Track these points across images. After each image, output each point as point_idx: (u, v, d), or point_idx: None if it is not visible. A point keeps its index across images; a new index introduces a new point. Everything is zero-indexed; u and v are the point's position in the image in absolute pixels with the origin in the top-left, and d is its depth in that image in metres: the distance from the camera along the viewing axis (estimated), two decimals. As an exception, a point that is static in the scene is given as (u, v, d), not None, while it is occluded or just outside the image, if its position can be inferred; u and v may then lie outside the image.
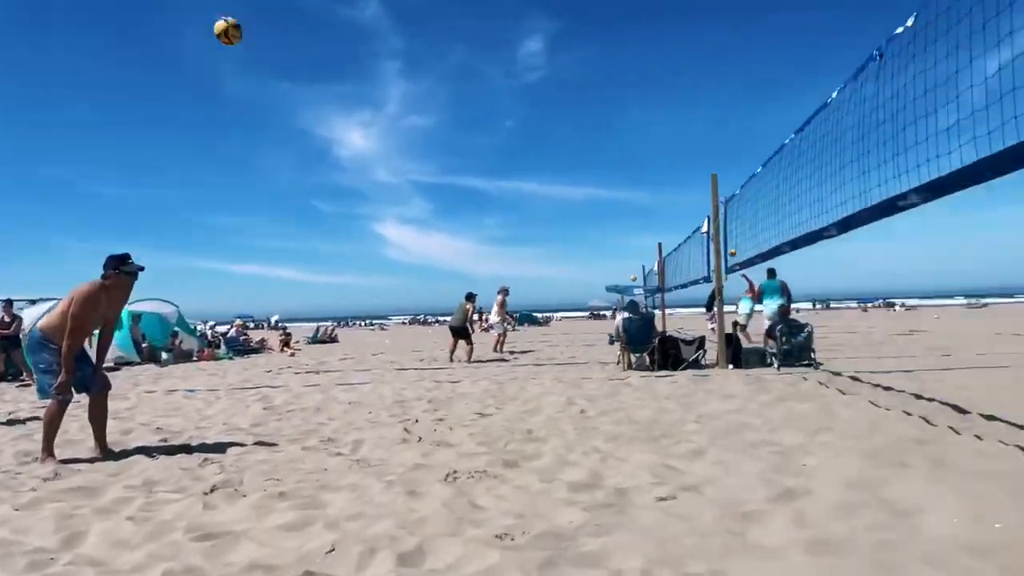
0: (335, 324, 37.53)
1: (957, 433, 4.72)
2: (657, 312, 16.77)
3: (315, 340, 26.96)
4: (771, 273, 12.37)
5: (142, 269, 5.09)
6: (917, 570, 2.38)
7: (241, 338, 21.30)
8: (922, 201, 4.08)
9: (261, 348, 21.06)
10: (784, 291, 12.11)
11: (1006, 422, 5.04)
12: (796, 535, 2.78)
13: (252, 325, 44.99)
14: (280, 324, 41.17)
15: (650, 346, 10.20)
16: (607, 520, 3.09)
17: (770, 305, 11.83)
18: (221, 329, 23.87)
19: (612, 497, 3.49)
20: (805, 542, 2.68)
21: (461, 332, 13.89)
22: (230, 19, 5.52)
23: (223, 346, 18.89)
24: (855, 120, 4.96)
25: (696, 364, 9.96)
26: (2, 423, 7.04)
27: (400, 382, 9.82)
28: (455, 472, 4.14)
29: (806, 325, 9.97)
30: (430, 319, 68.22)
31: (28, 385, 11.67)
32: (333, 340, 27.60)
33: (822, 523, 2.94)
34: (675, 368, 9.74)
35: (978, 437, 4.56)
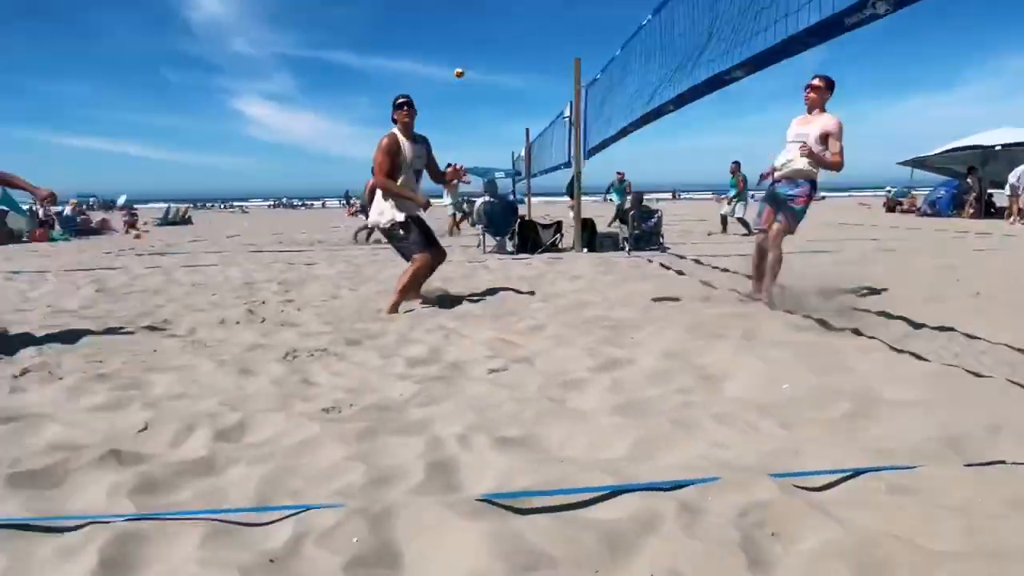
0: (189, 206, 35.23)
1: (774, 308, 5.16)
2: (524, 198, 16.91)
3: (165, 222, 25.27)
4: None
5: None
6: (708, 425, 2.60)
7: (79, 218, 19.60)
8: (744, 75, 4.27)
9: (102, 229, 19.52)
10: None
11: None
12: (610, 400, 2.96)
13: (94, 205, 41.49)
14: (127, 204, 38.17)
15: (509, 230, 10.31)
16: (436, 391, 3.15)
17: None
18: (55, 208, 21.78)
19: (446, 370, 3.56)
20: (616, 405, 2.86)
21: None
22: None
23: (58, 226, 17.34)
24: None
25: (553, 248, 10.21)
26: None
27: (252, 264, 9.44)
28: (295, 351, 4.07)
29: (657, 211, 10.40)
30: (296, 202, 65.48)
31: None
32: (186, 222, 25.99)
33: (636, 389, 3.14)
34: (533, 251, 9.94)
35: (789, 312, 5.00)
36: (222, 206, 58.48)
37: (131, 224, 20.07)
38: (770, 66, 4.02)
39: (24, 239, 15.40)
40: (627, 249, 9.88)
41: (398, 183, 5.39)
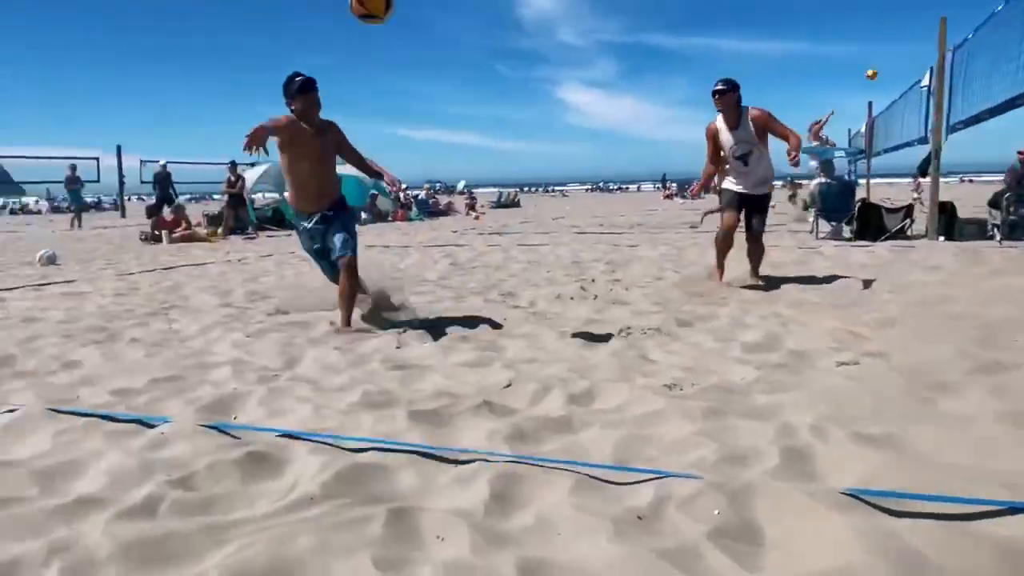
0: (517, 190, 38.31)
1: None
2: (861, 181, 15.34)
3: (498, 204, 27.80)
4: None
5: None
6: None
7: (431, 201, 22.48)
8: None
9: (448, 211, 22.12)
10: None
11: None
12: (993, 406, 2.57)
13: (440, 189, 47.14)
14: (466, 189, 42.72)
15: (848, 214, 9.43)
16: (780, 379, 3.03)
17: None
18: (412, 193, 25.26)
19: (788, 359, 3.40)
20: (1002, 412, 2.48)
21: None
22: None
23: (414, 208, 20.06)
24: None
25: (901, 234, 9.11)
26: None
27: (578, 244, 9.96)
28: (628, 328, 4.21)
29: (1041, 193, 8.68)
30: (611, 186, 67.36)
31: (253, 238, 13.22)
32: (515, 205, 28.31)
33: (1029, 397, 2.68)
34: (876, 239, 8.98)
35: None
36: (545, 190, 62.49)
37: (471, 206, 22.44)
38: None
39: (389, 219, 18.08)
40: (999, 238, 8.42)
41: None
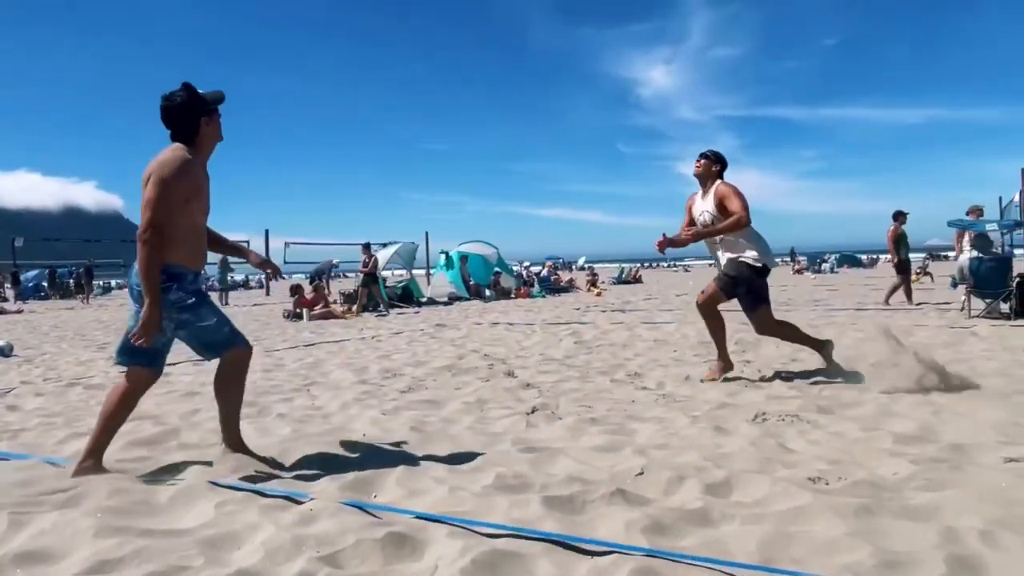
0: (639, 265, 38.12)
1: None
2: (1018, 251, 14.18)
3: (620, 280, 27.77)
4: None
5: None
6: None
7: (552, 278, 22.82)
8: None
9: (570, 287, 22.31)
10: None
11: None
12: None
13: (562, 265, 47.68)
14: (587, 265, 42.98)
15: (1005, 291, 8.71)
16: (939, 475, 2.80)
17: None
18: (534, 269, 25.73)
19: (947, 453, 3.14)
20: None
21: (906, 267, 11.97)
22: None
23: (536, 285, 20.40)
24: None
25: (1068, 313, 8.29)
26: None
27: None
28: (764, 413, 4.05)
29: None
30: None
31: (384, 315, 13.84)
32: (637, 280, 28.16)
33: None
34: (1039, 317, 8.21)
35: None
36: (668, 265, 61.83)
37: (592, 283, 22.53)
38: None
39: (512, 296, 18.44)
40: None
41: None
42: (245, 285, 39.32)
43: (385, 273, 17.32)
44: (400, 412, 4.44)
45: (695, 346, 7.24)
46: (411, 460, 3.31)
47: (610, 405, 4.50)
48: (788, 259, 40.11)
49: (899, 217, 11.77)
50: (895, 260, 11.75)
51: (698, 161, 5.37)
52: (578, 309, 13.82)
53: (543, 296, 19.08)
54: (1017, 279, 8.78)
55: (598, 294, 19.50)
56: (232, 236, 4.25)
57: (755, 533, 2.25)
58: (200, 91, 3.12)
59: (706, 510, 2.49)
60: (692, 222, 5.48)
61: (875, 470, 2.93)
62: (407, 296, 16.63)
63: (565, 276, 28.04)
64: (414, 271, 19.68)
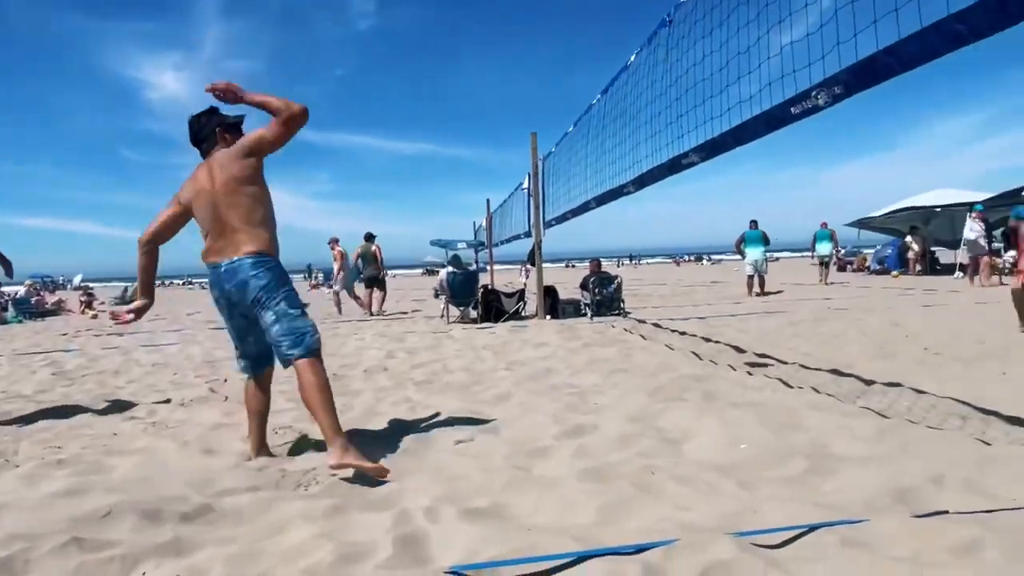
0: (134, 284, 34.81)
1: (733, 370, 5.30)
2: (487, 267, 17.11)
3: (123, 301, 24.83)
4: (753, 224, 14.50)
5: None
6: (670, 488, 2.67)
7: (33, 299, 19.20)
8: (700, 160, 4.47)
9: (58, 310, 19.14)
10: (765, 239, 14.15)
11: (773, 358, 5.74)
12: (576, 466, 3.01)
13: (51, 286, 40.66)
14: (83, 284, 37.49)
15: (472, 299, 10.41)
16: (403, 465, 3.17)
17: (753, 252, 14.00)
18: (9, 290, 21.32)
19: (412, 443, 3.58)
20: (582, 471, 2.92)
21: (379, 281, 13.12)
22: None
23: (10, 308, 16.97)
24: (648, 83, 5.28)
25: (517, 315, 10.32)
26: None
27: (213, 342, 9.33)
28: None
29: (616, 277, 10.64)
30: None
31: None
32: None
33: (600, 454, 3.20)
34: (497, 320, 10.04)
35: (748, 373, 5.15)
36: (181, 283, 57.69)
37: (87, 304, 19.68)
38: (722, 154, 4.22)
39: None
40: (590, 315, 10.04)
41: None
42: None
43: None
44: None
45: (198, 366, 6.88)
46: None
47: (86, 442, 3.96)
48: (305, 276, 41.31)
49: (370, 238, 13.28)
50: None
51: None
52: (65, 335, 11.91)
53: (20, 322, 15.94)
54: (482, 289, 10.58)
55: (93, 316, 17.12)
56: None
57: (224, 554, 2.21)
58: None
59: (178, 540, 2.35)
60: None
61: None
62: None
63: (52, 297, 23.89)
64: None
